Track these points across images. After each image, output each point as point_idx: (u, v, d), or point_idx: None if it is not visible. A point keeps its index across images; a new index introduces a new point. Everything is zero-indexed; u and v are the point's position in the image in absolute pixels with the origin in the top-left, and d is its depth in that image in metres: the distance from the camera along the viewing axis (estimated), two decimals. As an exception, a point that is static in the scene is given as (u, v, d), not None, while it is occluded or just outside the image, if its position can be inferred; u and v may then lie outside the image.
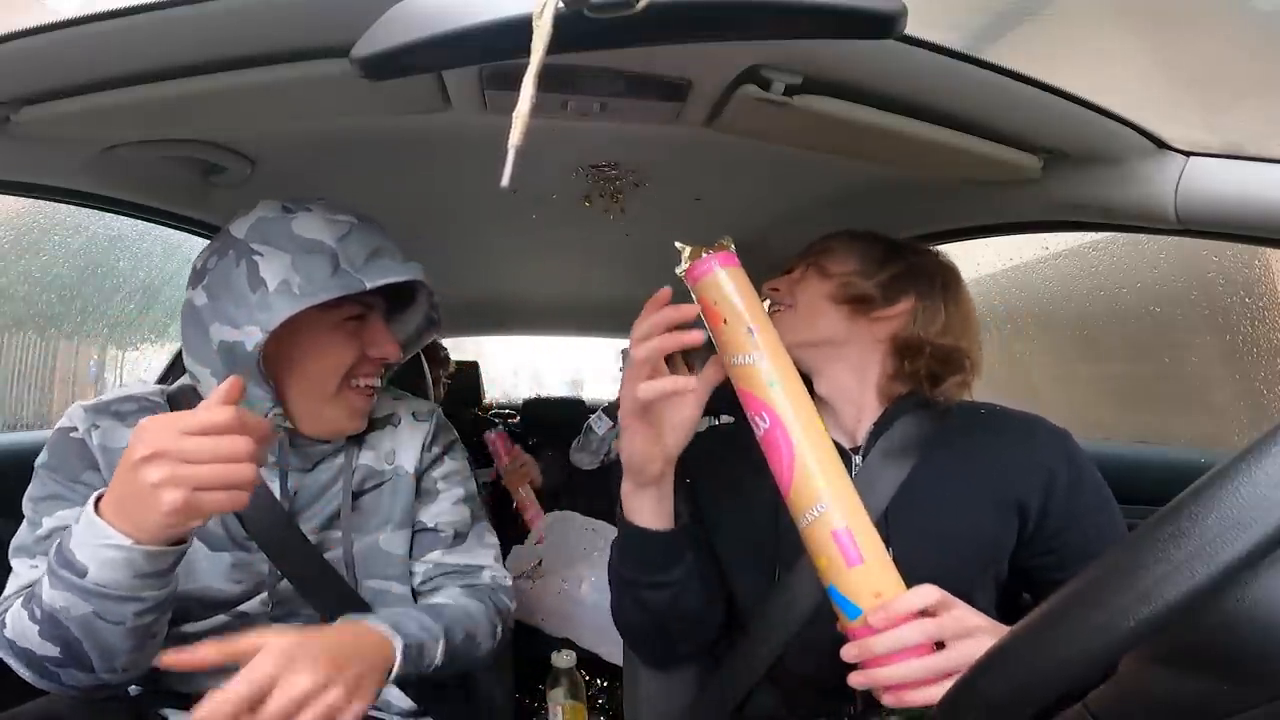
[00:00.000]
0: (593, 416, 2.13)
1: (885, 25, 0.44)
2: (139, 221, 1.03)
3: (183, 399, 0.79)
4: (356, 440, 0.84)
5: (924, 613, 0.56)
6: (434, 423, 0.91)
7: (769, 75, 0.64)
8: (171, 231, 1.12)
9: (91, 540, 0.56)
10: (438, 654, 0.72)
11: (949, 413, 0.80)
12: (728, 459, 0.83)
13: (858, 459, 0.78)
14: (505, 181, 0.38)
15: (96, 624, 0.58)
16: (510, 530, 1.91)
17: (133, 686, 0.77)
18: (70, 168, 0.81)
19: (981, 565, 0.75)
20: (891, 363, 0.80)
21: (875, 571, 0.58)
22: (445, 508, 0.88)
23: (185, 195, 0.99)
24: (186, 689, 0.76)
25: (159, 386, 0.82)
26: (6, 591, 0.69)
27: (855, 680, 0.57)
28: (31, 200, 0.96)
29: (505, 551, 1.58)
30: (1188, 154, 0.68)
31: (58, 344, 1.97)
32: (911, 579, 0.64)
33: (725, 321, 0.65)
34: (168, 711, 0.76)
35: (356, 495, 0.82)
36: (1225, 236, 0.70)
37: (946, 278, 0.83)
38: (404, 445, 0.87)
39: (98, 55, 0.60)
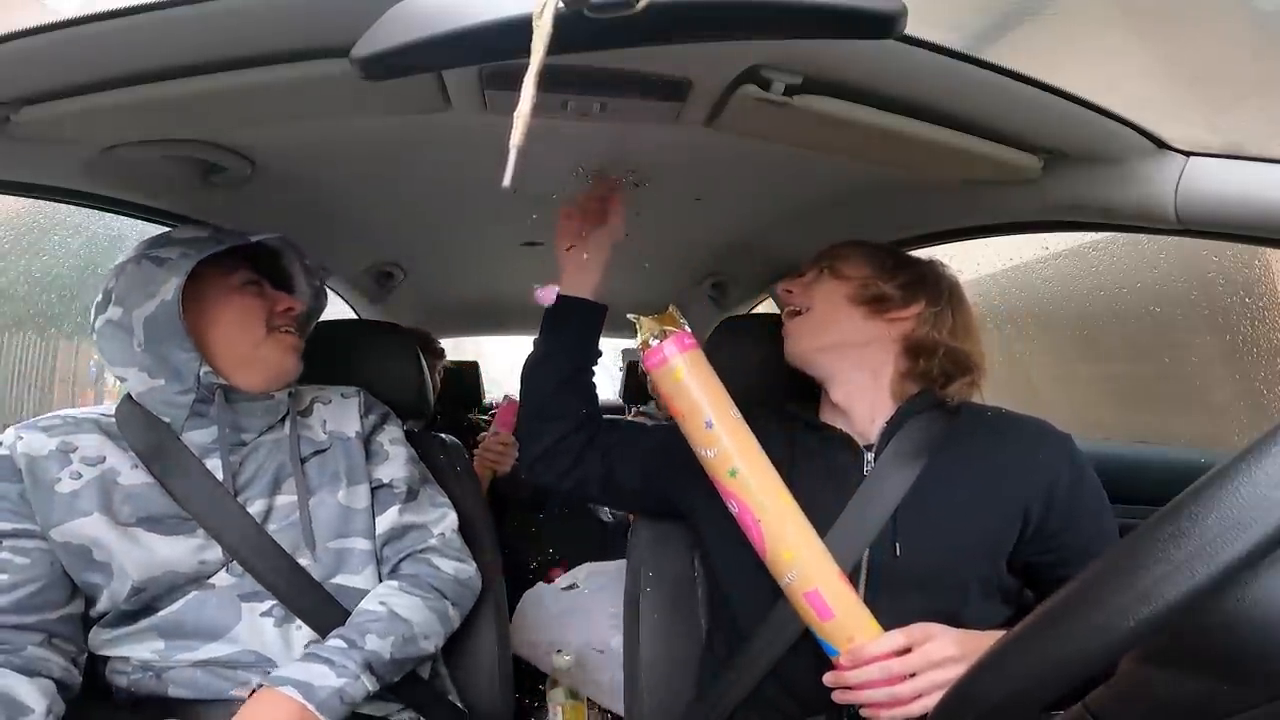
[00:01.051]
0: None
1: (885, 25, 0.44)
2: (139, 221, 1.03)
3: (129, 413, 0.82)
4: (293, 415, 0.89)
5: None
6: (362, 396, 0.97)
7: (769, 75, 0.63)
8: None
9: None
10: (368, 682, 0.74)
11: (957, 414, 0.81)
12: None
13: (870, 456, 0.80)
14: (507, 182, 0.38)
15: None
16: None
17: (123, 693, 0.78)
18: (70, 168, 0.81)
19: (983, 565, 0.76)
20: (904, 362, 0.82)
21: (845, 622, 0.67)
22: (398, 466, 0.93)
23: (185, 195, 0.99)
24: (180, 693, 0.76)
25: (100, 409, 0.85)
26: None
27: (837, 698, 0.69)
28: (31, 200, 0.96)
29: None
30: (1188, 154, 0.68)
31: (58, 344, 1.97)
32: (917, 578, 0.74)
33: (684, 415, 0.70)
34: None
35: (305, 459, 0.86)
36: (1225, 236, 0.70)
37: (952, 287, 0.86)
38: (337, 416, 0.93)
39: (98, 55, 0.60)
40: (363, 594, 0.84)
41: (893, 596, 0.73)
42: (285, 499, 0.84)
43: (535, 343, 0.97)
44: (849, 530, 0.75)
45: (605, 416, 0.96)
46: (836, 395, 0.84)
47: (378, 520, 0.89)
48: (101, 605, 0.76)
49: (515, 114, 0.39)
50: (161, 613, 0.77)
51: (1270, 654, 0.33)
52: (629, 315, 0.76)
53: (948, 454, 0.78)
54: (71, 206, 0.92)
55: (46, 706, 0.67)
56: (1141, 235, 1.12)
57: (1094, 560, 0.38)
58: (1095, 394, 1.90)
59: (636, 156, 0.95)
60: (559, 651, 1.30)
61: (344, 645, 0.75)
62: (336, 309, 1.77)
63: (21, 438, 0.76)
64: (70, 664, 0.74)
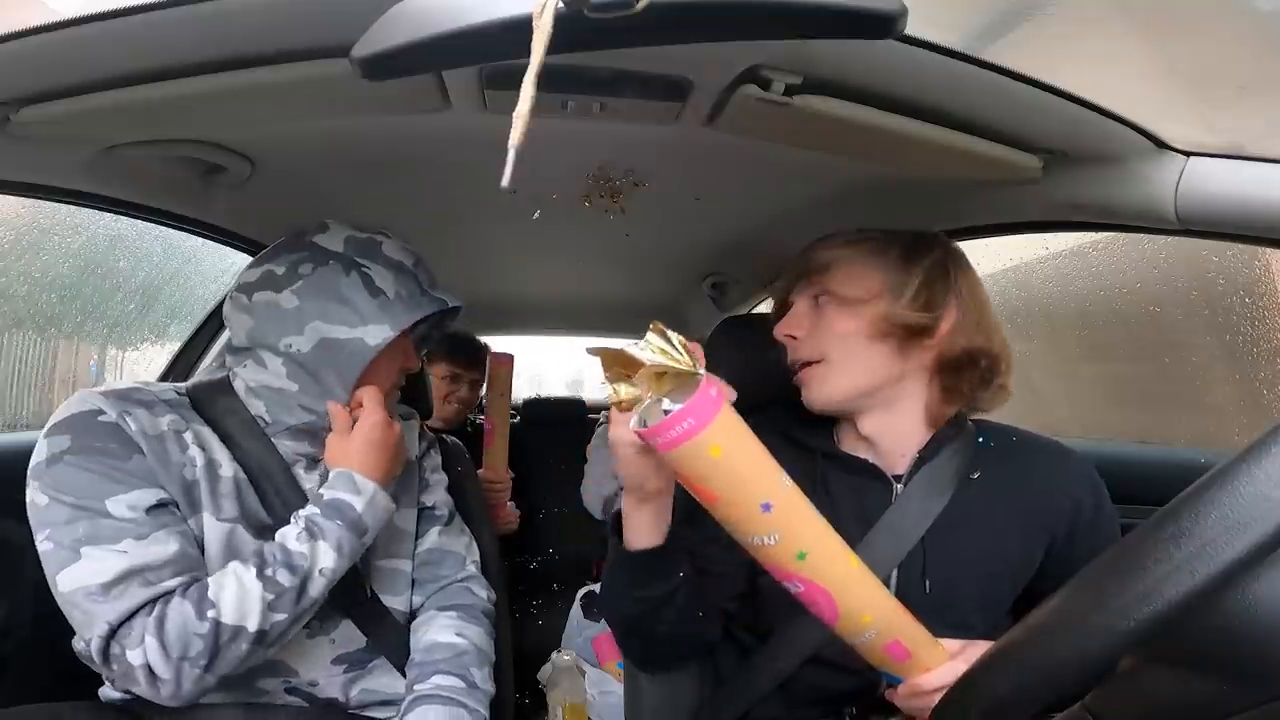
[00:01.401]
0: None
1: (885, 25, 0.44)
2: (139, 221, 1.03)
3: (212, 394, 0.80)
4: None
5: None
6: (417, 421, 1.02)
7: (769, 75, 0.63)
8: (171, 231, 1.12)
9: (378, 505, 0.76)
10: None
11: (986, 441, 0.78)
12: None
13: (899, 487, 0.75)
14: (506, 182, 0.38)
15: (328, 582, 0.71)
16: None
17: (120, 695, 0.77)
18: (70, 168, 0.81)
19: (1008, 594, 0.75)
20: (941, 382, 0.74)
21: (920, 655, 0.60)
22: (440, 491, 0.98)
23: (185, 195, 0.99)
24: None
25: (165, 385, 0.81)
26: (97, 582, 0.63)
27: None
28: (31, 200, 0.96)
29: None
30: (1188, 154, 0.68)
31: (58, 344, 1.97)
32: (947, 608, 0.71)
33: (727, 502, 0.52)
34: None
35: None
36: (1225, 236, 0.70)
37: (958, 261, 0.77)
38: (407, 437, 0.94)
39: (98, 55, 0.60)
40: (400, 614, 0.87)
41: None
42: None
43: (615, 594, 0.74)
44: (872, 563, 0.73)
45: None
46: (866, 428, 0.76)
47: (420, 541, 0.93)
48: None
49: (515, 114, 0.39)
50: None
51: (1270, 654, 0.33)
52: (588, 349, 0.57)
53: (975, 484, 0.75)
54: (71, 206, 0.92)
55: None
56: (1141, 235, 1.12)
57: (1091, 562, 0.38)
58: (1095, 394, 1.90)
59: (636, 156, 0.95)
60: (559, 650, 1.30)
61: (464, 686, 0.80)
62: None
63: (130, 412, 0.71)
64: None
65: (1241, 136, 0.65)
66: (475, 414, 2.01)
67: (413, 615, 0.90)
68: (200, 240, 1.17)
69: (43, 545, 0.65)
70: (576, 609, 1.69)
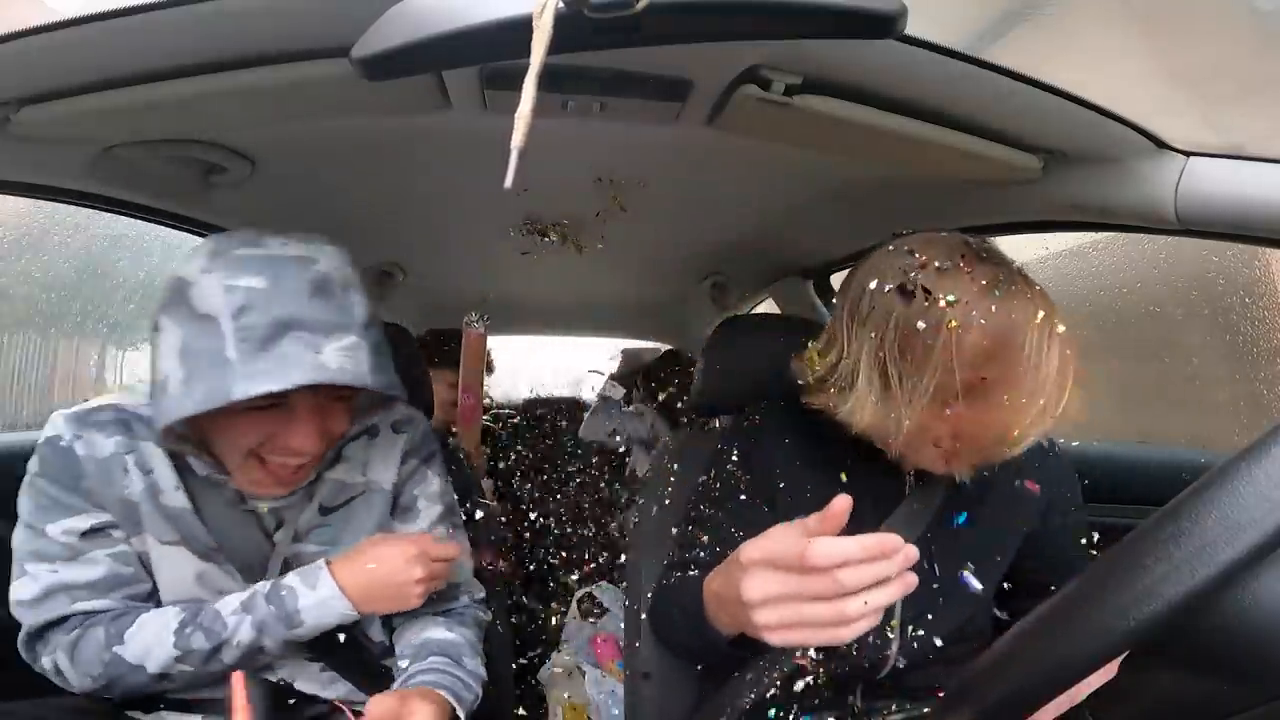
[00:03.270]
0: (606, 384, 2.08)
1: (885, 25, 0.44)
2: (139, 221, 1.03)
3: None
4: (331, 454, 0.80)
5: None
6: (413, 433, 0.87)
7: (769, 75, 0.64)
8: (171, 231, 1.12)
9: (329, 603, 0.72)
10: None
11: None
12: (800, 470, 0.82)
13: (911, 479, 0.79)
14: (508, 183, 0.38)
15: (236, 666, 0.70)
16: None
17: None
18: (70, 168, 0.81)
19: (999, 578, 0.80)
20: None
21: None
22: (424, 527, 0.85)
23: (185, 195, 0.99)
24: (181, 694, 0.77)
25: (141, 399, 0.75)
26: (29, 596, 0.70)
27: None
28: (31, 200, 0.96)
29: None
30: (1188, 154, 0.68)
31: (58, 344, 1.97)
32: (950, 594, 0.75)
33: None
34: (167, 714, 0.77)
35: (328, 510, 0.80)
36: (1225, 236, 0.70)
37: None
38: (379, 458, 0.83)
39: (98, 55, 0.60)
40: (375, 644, 0.85)
41: (928, 610, 0.75)
42: (312, 548, 0.79)
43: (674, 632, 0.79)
44: None
45: None
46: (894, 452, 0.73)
47: None
48: None
49: (515, 114, 0.39)
50: None
51: (1270, 654, 0.33)
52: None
53: (980, 475, 0.76)
54: (71, 206, 0.92)
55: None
56: (1141, 235, 1.12)
57: (1078, 566, 0.38)
58: (1095, 394, 1.90)
59: (636, 156, 0.95)
60: (559, 650, 1.30)
61: (457, 664, 0.79)
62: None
63: (79, 436, 0.71)
64: None
65: (1241, 136, 0.65)
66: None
67: (390, 631, 0.87)
68: (200, 240, 1.17)
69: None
70: (576, 609, 1.69)
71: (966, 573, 0.74)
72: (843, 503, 0.45)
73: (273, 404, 0.66)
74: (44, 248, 1.57)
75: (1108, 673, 0.39)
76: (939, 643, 0.74)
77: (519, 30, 0.39)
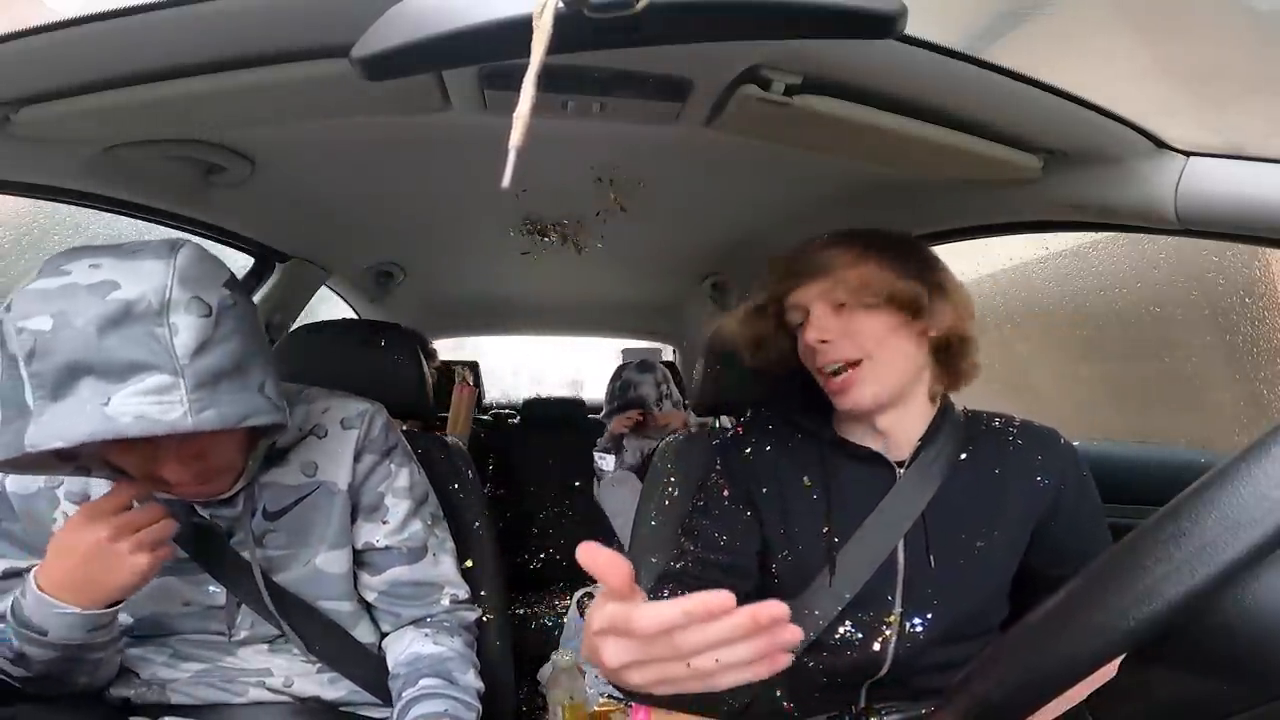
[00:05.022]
0: (596, 458, 2.08)
1: (885, 25, 0.44)
2: (139, 221, 1.03)
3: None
4: (268, 462, 0.77)
5: None
6: (365, 427, 0.81)
7: (769, 75, 0.64)
8: (171, 231, 1.12)
9: (45, 611, 0.64)
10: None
11: (975, 426, 0.82)
12: (774, 475, 0.83)
13: (900, 471, 0.79)
14: (506, 182, 0.38)
15: (64, 664, 0.68)
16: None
17: (121, 690, 0.78)
18: (70, 168, 0.81)
19: (1007, 569, 0.78)
20: (936, 368, 0.80)
21: None
22: (395, 525, 0.82)
23: (185, 195, 0.99)
24: (181, 700, 0.77)
25: None
26: None
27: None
28: (31, 200, 0.96)
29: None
30: (1188, 154, 0.68)
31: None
32: (950, 586, 0.75)
33: None
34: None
35: (274, 514, 0.77)
36: (1225, 236, 0.70)
37: (929, 249, 0.82)
38: (329, 457, 0.79)
39: (98, 55, 0.60)
40: (367, 645, 0.83)
41: (927, 603, 0.75)
42: (275, 553, 0.77)
43: None
44: (872, 539, 0.76)
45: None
46: (884, 423, 0.79)
47: (378, 578, 0.82)
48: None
49: (515, 114, 0.39)
50: (170, 639, 0.78)
51: (1270, 654, 0.33)
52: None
53: (966, 464, 0.78)
54: (71, 206, 0.92)
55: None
56: (1141, 235, 1.12)
57: (1093, 560, 0.38)
58: (1095, 394, 1.90)
59: (636, 156, 0.95)
60: (559, 650, 1.30)
61: (449, 684, 0.77)
62: (337, 309, 1.77)
63: (6, 475, 0.71)
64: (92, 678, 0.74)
65: (1241, 136, 0.65)
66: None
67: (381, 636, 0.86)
68: (200, 240, 1.17)
69: None
70: (576, 609, 1.69)
71: (964, 561, 0.75)
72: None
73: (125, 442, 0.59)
74: (44, 248, 1.56)
75: (1106, 673, 0.39)
76: (938, 636, 0.75)
77: (519, 30, 0.39)
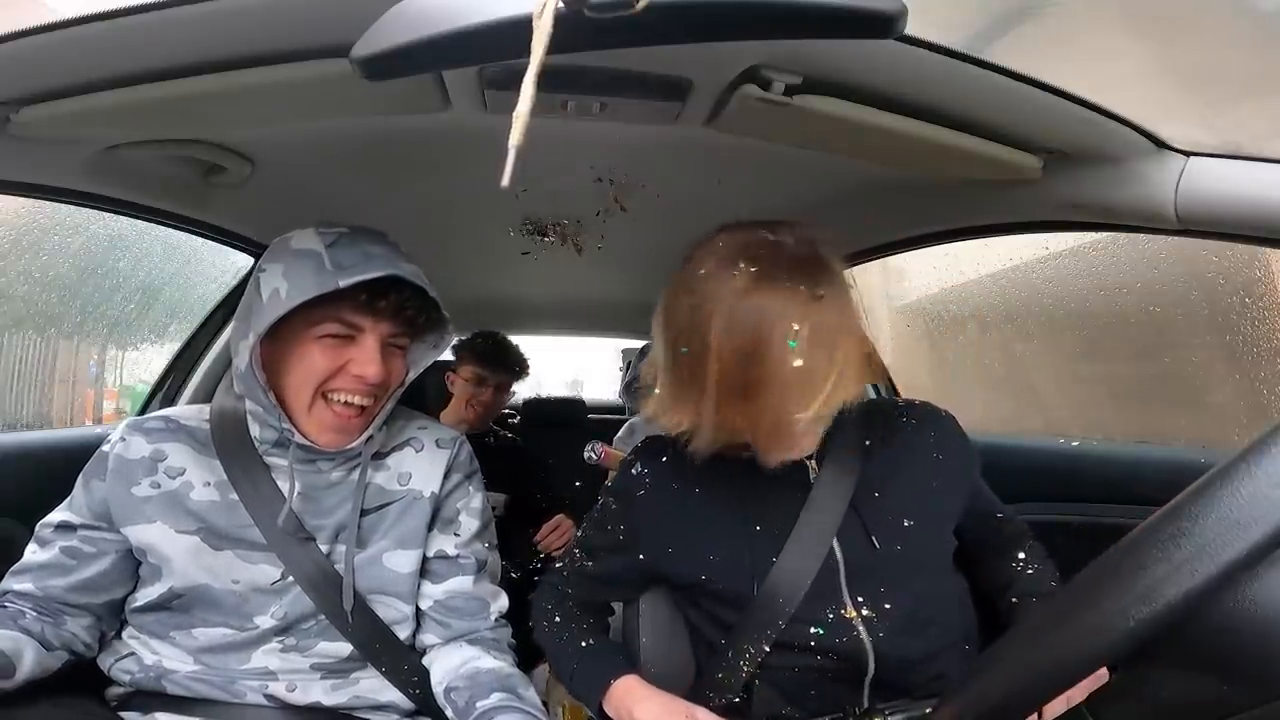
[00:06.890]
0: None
1: (885, 25, 0.44)
2: (139, 221, 1.03)
3: (224, 424, 0.84)
4: (373, 460, 0.85)
5: None
6: (455, 450, 0.91)
7: (769, 75, 0.64)
8: (171, 231, 1.12)
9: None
10: None
11: (878, 411, 0.85)
12: (670, 499, 0.83)
13: (813, 464, 0.79)
14: (506, 182, 0.38)
15: None
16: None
17: (122, 689, 0.79)
18: (70, 168, 0.81)
19: (947, 542, 0.82)
20: (848, 371, 0.74)
21: None
22: (467, 539, 0.89)
23: (185, 195, 0.99)
24: (177, 692, 0.77)
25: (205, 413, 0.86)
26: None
27: None
28: (31, 200, 0.96)
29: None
30: (1188, 154, 0.68)
31: (58, 344, 1.97)
32: (899, 558, 0.77)
33: None
34: (159, 715, 0.77)
35: (366, 512, 0.83)
36: (1225, 236, 0.70)
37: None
38: (422, 470, 0.87)
39: (98, 55, 0.60)
40: (404, 639, 0.85)
41: (877, 586, 0.76)
42: (342, 548, 0.82)
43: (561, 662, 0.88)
44: (808, 537, 0.77)
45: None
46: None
47: (439, 586, 0.86)
48: (144, 599, 0.79)
49: (515, 114, 0.39)
50: (194, 630, 0.78)
51: (1270, 654, 0.33)
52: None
53: (874, 449, 0.81)
54: (71, 206, 0.92)
55: (29, 673, 0.70)
56: (1141, 235, 1.12)
57: (1092, 562, 0.38)
58: (1095, 394, 1.90)
59: (636, 156, 0.95)
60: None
61: (520, 700, 0.77)
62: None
63: (124, 439, 0.81)
64: (95, 643, 0.80)
65: (1241, 136, 0.65)
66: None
67: (415, 639, 0.87)
68: (200, 240, 1.17)
69: None
70: None
71: (900, 544, 0.77)
72: None
73: (347, 334, 0.78)
74: (44, 248, 1.57)
75: (1099, 677, 0.40)
76: (903, 622, 0.75)
77: (519, 30, 0.39)
